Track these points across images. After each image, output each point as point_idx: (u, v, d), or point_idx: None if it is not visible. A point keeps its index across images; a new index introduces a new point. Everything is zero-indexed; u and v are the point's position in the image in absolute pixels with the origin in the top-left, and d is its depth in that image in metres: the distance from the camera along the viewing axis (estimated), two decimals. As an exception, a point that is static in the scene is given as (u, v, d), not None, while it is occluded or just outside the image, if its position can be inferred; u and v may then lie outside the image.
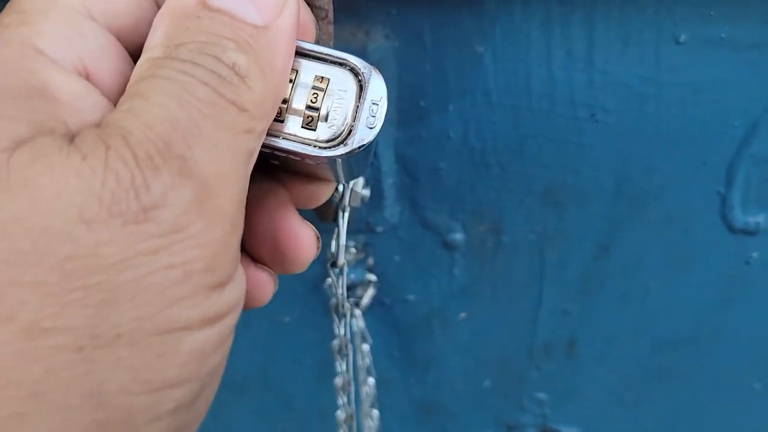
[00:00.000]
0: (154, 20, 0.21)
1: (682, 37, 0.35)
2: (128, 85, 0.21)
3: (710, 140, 0.39)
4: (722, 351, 0.51)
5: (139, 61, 0.21)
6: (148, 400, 0.19)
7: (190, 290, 0.19)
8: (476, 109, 0.38)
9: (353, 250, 0.44)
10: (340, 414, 0.48)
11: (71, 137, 0.19)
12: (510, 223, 0.43)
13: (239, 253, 0.22)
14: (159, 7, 0.22)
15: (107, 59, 0.22)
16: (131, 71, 0.21)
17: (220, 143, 0.19)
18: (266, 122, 0.21)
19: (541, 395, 0.54)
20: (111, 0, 0.22)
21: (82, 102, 0.21)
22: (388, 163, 0.40)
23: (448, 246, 0.44)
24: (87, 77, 0.21)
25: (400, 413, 0.55)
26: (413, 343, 0.50)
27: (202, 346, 0.20)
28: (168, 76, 0.20)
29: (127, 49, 0.23)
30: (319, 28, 0.25)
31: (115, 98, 0.21)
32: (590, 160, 0.40)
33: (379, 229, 0.43)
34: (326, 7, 0.25)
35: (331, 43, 0.26)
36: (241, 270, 0.22)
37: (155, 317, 0.19)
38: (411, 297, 0.47)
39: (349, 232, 0.42)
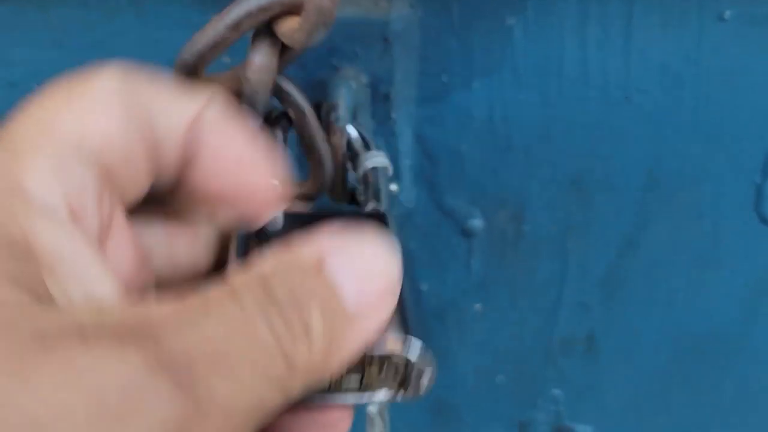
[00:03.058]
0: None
1: (727, 14, 0.33)
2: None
3: (750, 127, 0.37)
4: (750, 355, 0.49)
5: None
6: None
7: None
8: (503, 88, 0.35)
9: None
10: (372, 408, 0.45)
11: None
12: (532, 211, 0.41)
13: None
14: (147, 141, 0.22)
15: (94, 198, 0.21)
16: (117, 210, 0.21)
17: (245, 381, 0.18)
18: (300, 391, 0.20)
19: (557, 392, 0.52)
20: (105, 135, 0.21)
21: (62, 260, 0.19)
22: (406, 143, 0.37)
23: (467, 234, 0.42)
24: (72, 216, 0.20)
25: (408, 410, 0.53)
26: (425, 336, 0.48)
27: None
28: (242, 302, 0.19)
29: (113, 183, 0.22)
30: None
31: (98, 238, 0.21)
32: (621, 146, 0.38)
33: (394, 213, 0.41)
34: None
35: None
36: None
37: None
38: (425, 287, 0.45)
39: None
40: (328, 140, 0.32)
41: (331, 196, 0.36)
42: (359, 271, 0.21)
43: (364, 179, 0.33)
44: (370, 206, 0.31)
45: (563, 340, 0.48)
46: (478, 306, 0.46)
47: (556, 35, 0.33)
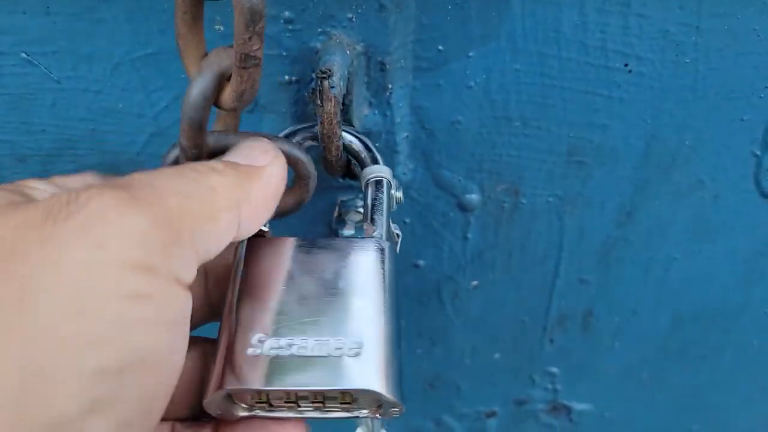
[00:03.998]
0: None
1: (729, -22, 0.32)
2: None
3: (750, 96, 0.37)
4: (746, 327, 0.49)
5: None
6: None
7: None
8: (500, 56, 0.35)
9: (360, 210, 0.41)
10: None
11: None
12: (530, 184, 0.40)
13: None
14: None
15: None
16: None
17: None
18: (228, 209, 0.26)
19: (554, 369, 0.52)
20: None
21: None
22: (402, 114, 0.37)
23: (463, 207, 0.41)
24: None
25: (406, 388, 0.53)
26: (421, 312, 0.47)
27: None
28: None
29: None
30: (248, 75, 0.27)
31: None
32: (619, 115, 0.37)
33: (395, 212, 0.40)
34: (259, 56, 0.26)
35: (258, 82, 0.28)
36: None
37: None
38: (421, 262, 0.44)
39: (356, 189, 0.39)
40: (321, 107, 0.31)
41: (326, 168, 0.35)
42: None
43: (366, 189, 0.33)
44: (373, 230, 0.32)
45: (561, 316, 0.48)
46: (474, 282, 0.46)
47: (554, 2, 0.33)
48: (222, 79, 0.28)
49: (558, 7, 0.33)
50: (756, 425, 0.56)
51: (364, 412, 0.29)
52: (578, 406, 0.55)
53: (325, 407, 0.28)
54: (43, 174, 0.39)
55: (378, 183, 0.33)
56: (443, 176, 0.40)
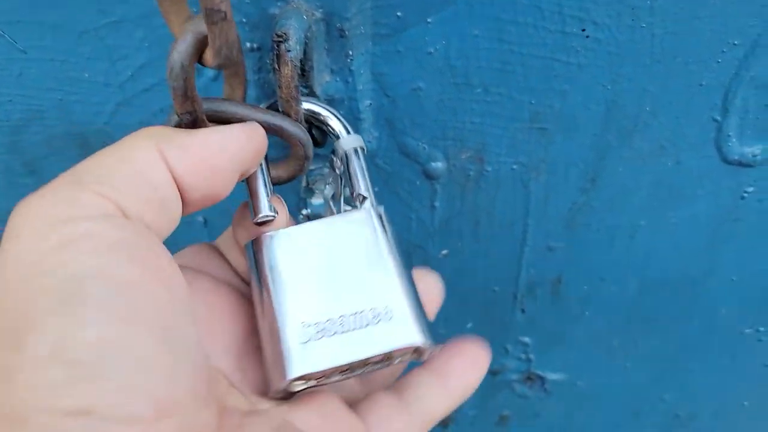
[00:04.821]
0: None
1: (680, -59, 0.33)
2: None
3: (708, 60, 0.37)
4: (713, 293, 0.49)
5: None
6: None
7: None
8: (458, 22, 0.35)
9: (329, 180, 0.41)
10: None
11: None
12: (494, 151, 0.41)
13: None
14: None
15: None
16: None
17: None
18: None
19: (526, 339, 0.53)
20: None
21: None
22: (364, 81, 0.37)
23: (429, 176, 0.42)
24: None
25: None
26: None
27: None
28: None
29: None
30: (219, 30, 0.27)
31: None
32: (578, 81, 0.38)
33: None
34: (224, 9, 0.26)
35: (232, 35, 0.28)
36: None
37: None
38: (390, 231, 0.45)
39: (322, 158, 0.40)
40: (278, 71, 0.32)
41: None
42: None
43: (343, 162, 0.34)
44: (363, 198, 0.34)
45: (530, 284, 0.49)
46: (444, 251, 0.47)
47: (509, -34, 0.33)
48: (203, 41, 0.28)
49: (513, -29, 0.33)
50: (727, 392, 0.57)
51: (406, 358, 0.31)
52: (552, 375, 0.55)
53: (368, 368, 0.31)
54: (11, 144, 0.40)
55: (356, 152, 0.34)
56: (408, 144, 0.40)
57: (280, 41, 0.31)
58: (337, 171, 0.35)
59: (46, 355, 0.21)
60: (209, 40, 0.27)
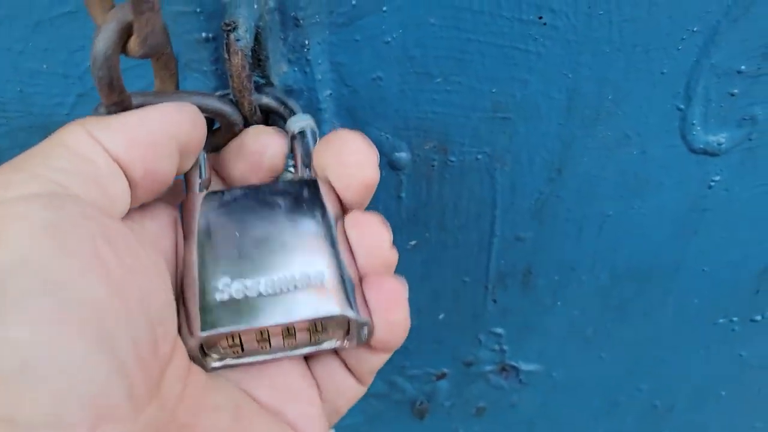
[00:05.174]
0: None
1: (633, -73, 0.32)
2: None
3: (668, 48, 0.37)
4: (684, 283, 0.49)
5: None
6: None
7: None
8: (414, 10, 0.35)
9: (291, 170, 0.41)
10: None
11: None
12: (457, 141, 0.41)
13: None
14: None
15: None
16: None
17: None
18: None
19: (499, 330, 0.53)
20: None
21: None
22: (323, 71, 0.37)
23: (394, 166, 0.42)
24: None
25: (354, 348, 0.53)
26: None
27: None
28: None
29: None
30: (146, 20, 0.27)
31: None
32: (538, 70, 0.37)
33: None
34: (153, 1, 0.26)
35: (159, 24, 0.28)
36: None
37: None
38: (357, 222, 0.45)
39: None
40: (229, 61, 0.32)
41: (243, 123, 0.35)
42: None
43: (292, 140, 0.34)
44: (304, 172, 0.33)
45: (500, 275, 0.49)
46: (413, 242, 0.47)
47: (463, -47, 0.33)
48: (127, 30, 0.28)
49: (467, -41, 0.33)
50: (703, 382, 0.57)
51: (335, 344, 0.30)
52: (526, 366, 0.55)
53: (296, 344, 0.30)
54: (-23, 137, 0.40)
55: (302, 134, 0.34)
56: (371, 134, 0.40)
57: (229, 30, 0.31)
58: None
59: None
60: (135, 29, 0.27)
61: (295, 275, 0.29)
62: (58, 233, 0.23)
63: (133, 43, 0.29)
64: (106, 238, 0.25)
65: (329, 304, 0.29)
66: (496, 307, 0.51)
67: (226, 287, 0.28)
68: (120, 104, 0.29)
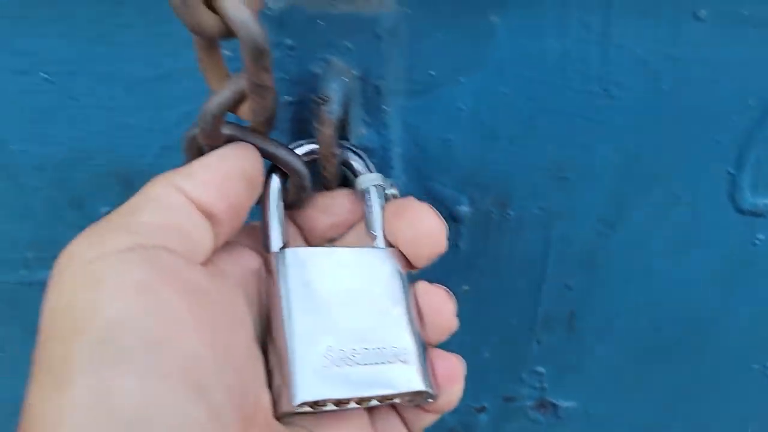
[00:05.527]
0: None
1: (702, 13, 0.34)
2: None
3: (724, 119, 0.39)
4: (723, 332, 0.51)
5: None
6: None
7: None
8: (488, 81, 0.37)
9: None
10: None
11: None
12: (517, 197, 0.43)
13: None
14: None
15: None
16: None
17: None
18: None
19: (540, 369, 0.55)
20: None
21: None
22: (396, 132, 0.39)
23: (454, 218, 0.44)
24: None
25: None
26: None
27: None
28: None
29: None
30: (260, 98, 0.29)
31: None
32: (601, 136, 0.39)
33: (385, 200, 0.43)
34: (269, 84, 0.28)
35: (270, 105, 0.30)
36: None
37: None
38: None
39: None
40: (319, 131, 0.34)
41: (323, 185, 0.37)
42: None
43: (363, 198, 0.36)
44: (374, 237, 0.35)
45: (546, 319, 0.51)
46: (465, 287, 0.49)
47: (537, 31, 0.35)
48: (240, 97, 0.30)
49: (541, 36, 0.35)
50: (733, 424, 0.58)
51: (397, 400, 0.32)
52: (564, 403, 0.57)
53: (365, 401, 0.32)
54: (58, 181, 0.42)
55: (375, 189, 0.36)
56: (434, 189, 0.42)
57: (322, 103, 0.33)
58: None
59: (87, 406, 0.23)
60: (250, 105, 0.29)
61: (386, 347, 0.31)
62: (152, 291, 0.25)
63: (244, 110, 0.31)
64: (195, 293, 0.27)
65: (415, 380, 0.31)
66: (539, 348, 0.53)
67: (323, 355, 0.30)
68: (211, 146, 0.32)
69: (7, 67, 0.36)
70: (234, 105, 0.31)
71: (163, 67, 0.37)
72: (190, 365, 0.25)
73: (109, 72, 0.37)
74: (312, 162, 0.35)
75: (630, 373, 0.55)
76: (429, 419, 0.35)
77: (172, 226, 0.28)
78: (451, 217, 0.44)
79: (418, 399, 0.32)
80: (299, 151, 0.35)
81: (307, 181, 0.34)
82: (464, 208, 0.43)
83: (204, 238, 0.30)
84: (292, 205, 0.36)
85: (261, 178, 0.33)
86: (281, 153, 0.33)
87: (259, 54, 0.27)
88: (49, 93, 0.38)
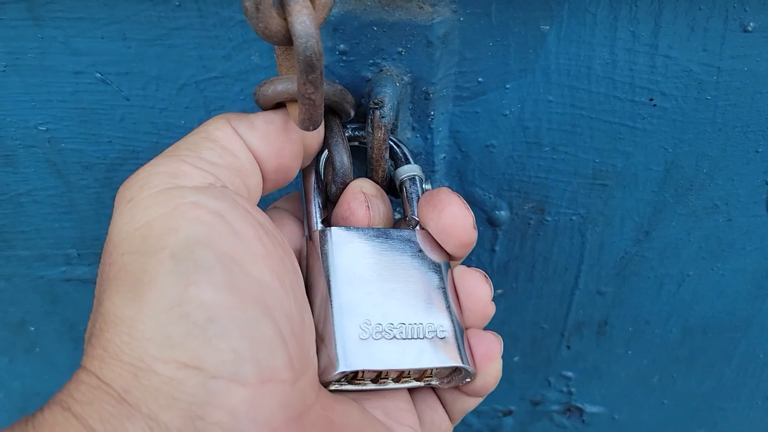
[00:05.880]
0: None
1: (751, 26, 0.35)
2: None
3: (765, 130, 0.39)
4: (752, 338, 0.51)
5: None
6: None
7: None
8: (534, 88, 0.38)
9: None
10: None
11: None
12: (555, 203, 0.43)
13: None
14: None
15: None
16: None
17: None
18: None
19: (569, 373, 0.55)
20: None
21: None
22: (441, 138, 0.40)
23: (492, 223, 0.45)
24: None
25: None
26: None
27: None
28: None
29: None
30: (306, 109, 0.29)
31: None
32: (642, 144, 0.40)
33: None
34: (314, 98, 0.29)
35: (317, 115, 0.30)
36: None
37: None
38: (450, 271, 0.47)
39: (395, 204, 0.42)
40: (372, 135, 0.34)
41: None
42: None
43: (401, 187, 0.36)
44: (416, 221, 0.36)
45: (578, 324, 0.51)
46: (499, 291, 0.49)
47: (586, 40, 0.36)
48: (293, 96, 0.31)
49: (590, 46, 0.36)
50: (758, 430, 0.59)
51: (435, 382, 0.34)
52: (590, 408, 0.58)
53: (403, 380, 0.33)
54: (106, 179, 0.43)
55: (411, 180, 0.37)
56: (475, 193, 0.43)
57: (376, 108, 0.34)
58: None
59: (165, 308, 0.25)
60: (297, 110, 0.30)
61: (423, 324, 0.32)
62: (226, 219, 0.27)
63: (293, 111, 0.31)
64: (264, 228, 0.29)
65: (451, 356, 0.32)
66: (569, 353, 0.53)
67: (366, 326, 0.31)
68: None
69: (63, 67, 0.37)
70: (285, 99, 0.32)
71: (216, 70, 0.37)
72: (259, 287, 0.27)
73: (162, 73, 0.37)
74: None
75: (657, 380, 0.55)
76: (468, 404, 0.36)
77: (235, 169, 0.30)
78: (489, 222, 0.45)
79: (456, 379, 0.33)
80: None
81: (349, 178, 0.35)
82: (503, 213, 0.44)
83: (257, 186, 0.31)
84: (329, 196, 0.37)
85: (317, 148, 0.34)
86: (342, 163, 0.35)
87: (309, 68, 0.28)
88: (102, 93, 0.38)
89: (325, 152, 0.36)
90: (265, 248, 0.28)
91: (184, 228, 0.26)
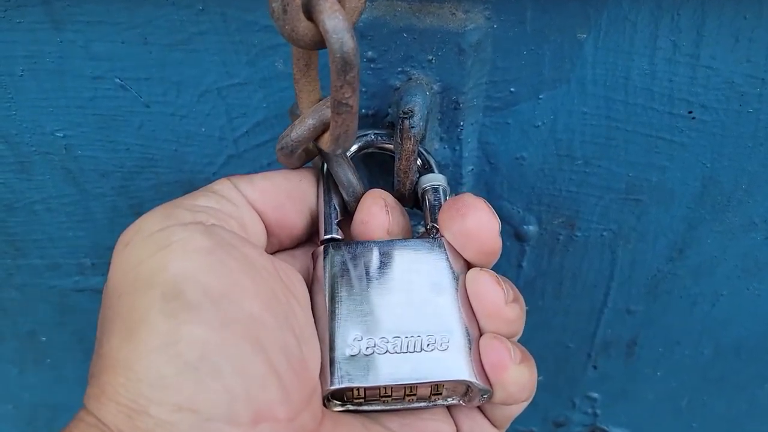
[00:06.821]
0: None
1: (797, 36, 0.33)
2: None
3: (808, 146, 0.38)
4: (787, 362, 0.50)
5: None
6: None
7: None
8: (569, 99, 0.36)
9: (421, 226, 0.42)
10: None
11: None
12: (586, 218, 0.42)
13: None
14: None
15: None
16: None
17: None
18: None
19: (594, 394, 0.53)
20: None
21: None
22: (470, 149, 0.38)
23: (520, 238, 0.43)
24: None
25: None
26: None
27: None
28: None
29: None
30: (342, 121, 0.28)
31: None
32: (679, 158, 0.38)
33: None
34: (352, 103, 0.27)
35: (353, 127, 0.29)
36: None
37: None
38: (474, 287, 0.46)
39: (419, 216, 0.41)
40: (401, 145, 0.33)
41: (399, 199, 0.37)
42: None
43: (424, 196, 0.35)
44: (436, 231, 0.34)
45: (606, 344, 0.49)
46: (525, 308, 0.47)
47: (625, 49, 0.34)
48: (323, 126, 0.30)
49: (629, 56, 0.34)
50: (789, 457, 0.57)
51: (456, 401, 0.32)
52: (615, 430, 0.56)
53: (415, 399, 0.31)
54: (122, 188, 0.41)
55: (435, 190, 0.35)
56: (503, 207, 0.41)
57: (406, 117, 0.32)
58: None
59: (157, 347, 0.25)
60: (331, 127, 0.29)
61: (422, 335, 0.30)
62: (214, 255, 0.28)
63: (326, 140, 0.30)
64: (253, 265, 0.29)
65: (453, 368, 0.30)
66: (595, 373, 0.52)
67: (356, 342, 0.30)
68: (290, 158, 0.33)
69: (82, 72, 0.36)
70: (315, 135, 0.31)
71: (239, 76, 0.36)
72: (250, 321, 0.27)
73: (183, 79, 0.36)
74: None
75: (686, 402, 0.53)
76: (511, 410, 0.34)
77: (229, 213, 0.31)
78: (516, 237, 0.43)
79: (473, 394, 0.31)
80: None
81: (359, 190, 0.35)
82: (531, 228, 0.43)
83: (258, 231, 0.32)
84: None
85: (315, 208, 0.34)
86: (348, 180, 0.34)
87: (347, 66, 0.26)
88: (121, 99, 0.37)
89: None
90: (254, 283, 0.28)
91: (172, 266, 0.27)
